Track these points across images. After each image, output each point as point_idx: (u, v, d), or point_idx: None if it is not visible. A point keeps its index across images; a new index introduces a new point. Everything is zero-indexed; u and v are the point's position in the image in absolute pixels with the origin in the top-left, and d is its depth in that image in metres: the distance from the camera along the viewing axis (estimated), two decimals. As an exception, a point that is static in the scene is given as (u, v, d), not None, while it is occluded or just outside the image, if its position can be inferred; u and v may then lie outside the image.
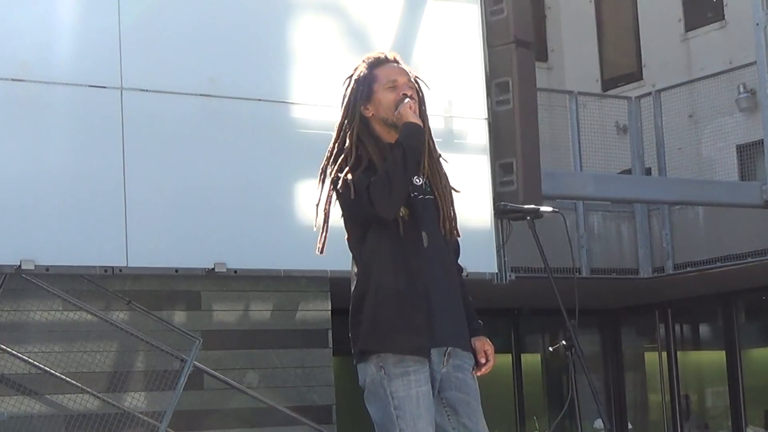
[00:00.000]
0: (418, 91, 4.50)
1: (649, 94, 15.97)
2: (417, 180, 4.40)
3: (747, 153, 15.43)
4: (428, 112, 4.51)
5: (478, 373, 4.45)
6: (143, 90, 10.15)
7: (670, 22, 18.55)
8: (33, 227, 9.68)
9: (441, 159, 4.53)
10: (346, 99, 4.49)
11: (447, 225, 4.44)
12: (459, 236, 4.51)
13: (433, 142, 4.50)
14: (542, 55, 18.93)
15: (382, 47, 11.02)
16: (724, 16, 17.92)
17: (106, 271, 9.91)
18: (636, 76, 18.99)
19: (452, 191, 4.52)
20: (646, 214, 15.46)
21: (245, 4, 10.80)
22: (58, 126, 9.96)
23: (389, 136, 4.42)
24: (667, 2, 18.59)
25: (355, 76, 4.49)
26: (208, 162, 10.39)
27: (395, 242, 4.31)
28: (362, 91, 4.45)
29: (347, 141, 4.40)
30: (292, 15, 11.01)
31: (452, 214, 4.47)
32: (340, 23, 11.10)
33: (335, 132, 4.49)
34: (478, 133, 11.43)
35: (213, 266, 10.27)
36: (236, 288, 10.79)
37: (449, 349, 4.35)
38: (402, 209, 4.32)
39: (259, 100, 10.61)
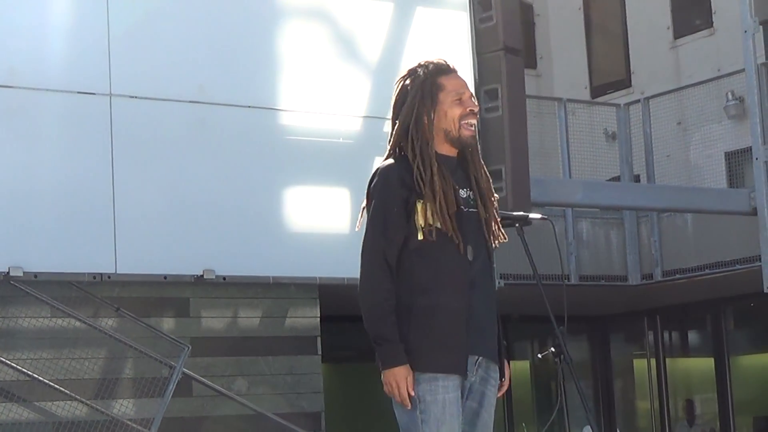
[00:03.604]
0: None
1: (638, 101, 16.00)
2: (463, 192, 4.36)
3: (735, 160, 15.45)
4: None
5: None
6: (132, 97, 10.14)
7: (659, 29, 18.58)
8: (21, 234, 9.66)
9: (484, 170, 4.48)
10: (408, 103, 4.36)
11: (492, 239, 4.41)
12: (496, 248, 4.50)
13: (479, 155, 4.47)
14: (531, 63, 18.96)
15: (371, 54, 11.11)
16: (712, 23, 17.95)
17: (94, 277, 9.90)
18: (625, 83, 19.02)
19: (495, 204, 4.48)
20: (635, 221, 15.46)
21: (234, 11, 10.80)
22: (47, 132, 9.94)
23: (442, 147, 4.37)
24: (656, 10, 18.62)
25: (418, 81, 4.37)
26: (197, 169, 10.38)
27: (438, 256, 4.26)
28: (428, 98, 4.35)
29: (410, 151, 4.32)
30: (281, 22, 11.02)
31: (496, 228, 4.45)
32: (329, 30, 11.10)
33: (394, 131, 4.38)
34: (467, 140, 11.41)
35: (202, 273, 10.26)
36: (225, 295, 10.78)
37: (480, 359, 4.35)
38: (450, 224, 4.24)
39: (249, 107, 10.61)
